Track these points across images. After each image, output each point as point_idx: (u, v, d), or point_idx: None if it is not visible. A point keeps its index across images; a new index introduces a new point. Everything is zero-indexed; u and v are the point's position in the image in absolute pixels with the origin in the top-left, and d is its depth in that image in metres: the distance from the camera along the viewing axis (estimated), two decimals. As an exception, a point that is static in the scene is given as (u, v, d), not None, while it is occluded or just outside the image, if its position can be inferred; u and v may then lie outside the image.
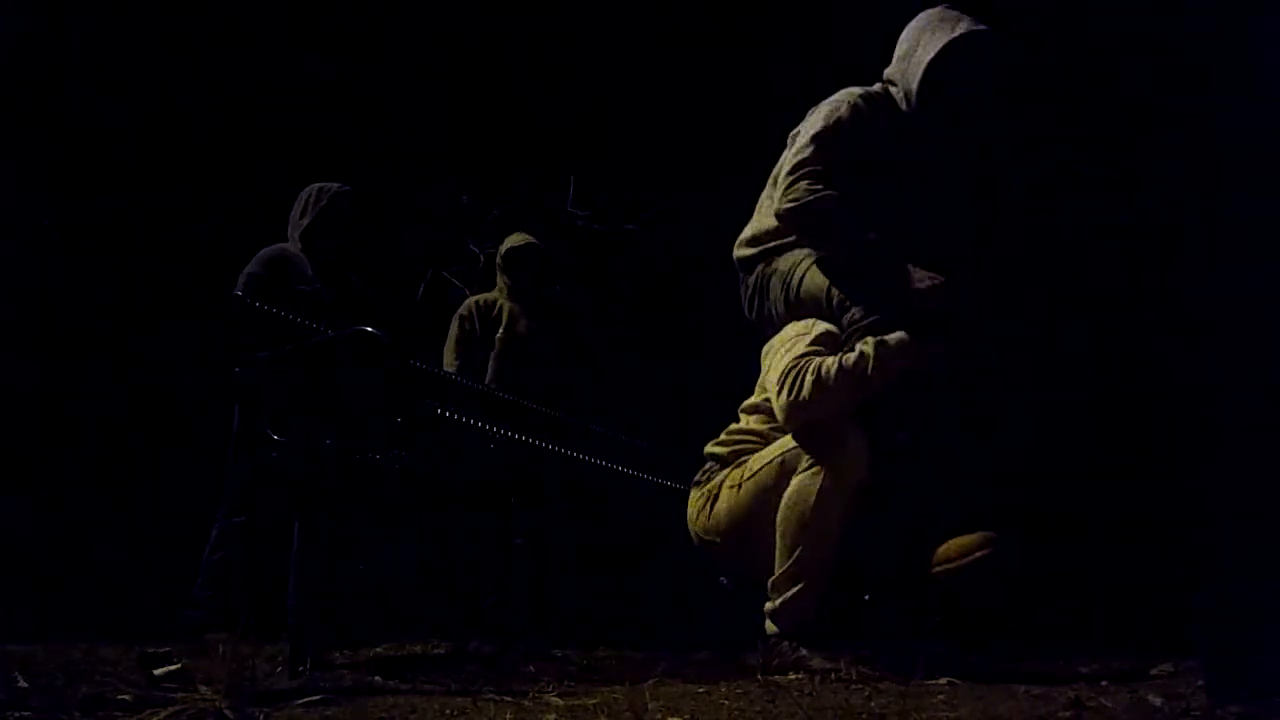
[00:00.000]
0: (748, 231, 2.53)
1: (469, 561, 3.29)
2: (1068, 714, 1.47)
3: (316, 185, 3.34)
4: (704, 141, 4.82)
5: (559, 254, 4.07)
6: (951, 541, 2.15)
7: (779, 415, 2.20)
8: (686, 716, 1.46)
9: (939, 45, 2.31)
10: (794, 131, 2.46)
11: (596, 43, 4.93)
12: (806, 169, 2.29)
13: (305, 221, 3.27)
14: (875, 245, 2.23)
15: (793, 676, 1.99)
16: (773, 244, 2.44)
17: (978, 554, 2.10)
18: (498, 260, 3.92)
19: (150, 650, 1.90)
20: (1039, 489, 3.93)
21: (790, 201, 2.28)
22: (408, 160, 4.97)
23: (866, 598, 2.35)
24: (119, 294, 4.18)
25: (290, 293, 3.05)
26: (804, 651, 2.08)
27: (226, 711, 1.40)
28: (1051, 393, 4.14)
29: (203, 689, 1.57)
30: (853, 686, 1.82)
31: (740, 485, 2.27)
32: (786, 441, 2.21)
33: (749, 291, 2.50)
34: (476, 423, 2.52)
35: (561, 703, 1.58)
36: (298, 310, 2.58)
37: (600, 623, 3.18)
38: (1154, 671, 2.12)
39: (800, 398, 2.12)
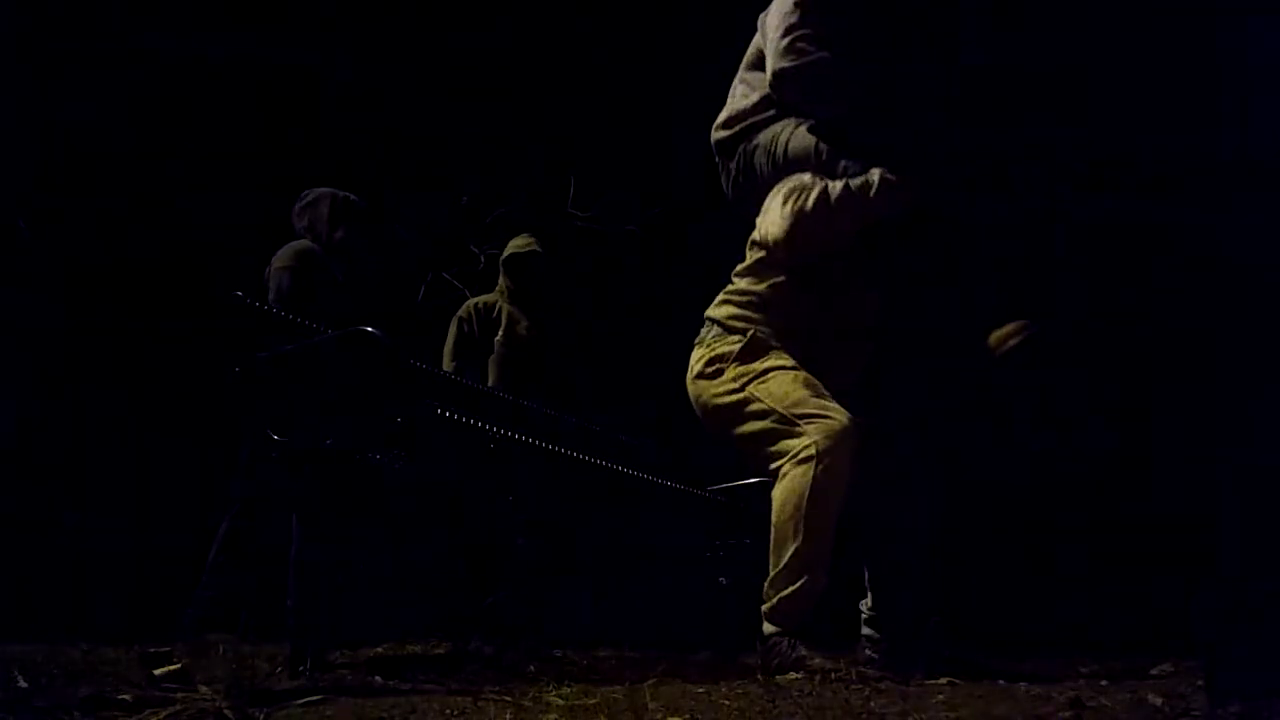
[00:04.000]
0: (723, 116, 2.56)
1: (469, 561, 3.29)
2: (1068, 714, 1.47)
3: (326, 190, 3.33)
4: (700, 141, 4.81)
5: (561, 257, 4.06)
6: (993, 334, 2.22)
7: (777, 232, 2.22)
8: (686, 716, 1.46)
9: None
10: (762, 14, 2.49)
11: (596, 42, 4.93)
12: (799, 31, 2.33)
13: (330, 222, 3.27)
14: (868, 103, 2.28)
15: (793, 676, 1.98)
16: (749, 122, 2.47)
17: (1025, 333, 2.20)
18: (500, 264, 3.89)
19: (150, 650, 1.90)
20: (1039, 489, 3.93)
21: (790, 60, 2.30)
22: (408, 161, 4.97)
23: (870, 598, 2.35)
24: (116, 292, 4.17)
25: (323, 286, 3.08)
26: (804, 651, 2.07)
27: (226, 711, 1.41)
28: (1050, 392, 4.13)
29: (203, 689, 1.58)
30: (853, 686, 1.82)
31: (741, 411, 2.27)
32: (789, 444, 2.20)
33: (732, 173, 2.54)
34: (476, 423, 2.51)
35: (561, 703, 1.58)
36: (331, 304, 2.60)
37: (600, 623, 3.18)
38: (1154, 671, 2.12)
39: (805, 208, 2.17)
